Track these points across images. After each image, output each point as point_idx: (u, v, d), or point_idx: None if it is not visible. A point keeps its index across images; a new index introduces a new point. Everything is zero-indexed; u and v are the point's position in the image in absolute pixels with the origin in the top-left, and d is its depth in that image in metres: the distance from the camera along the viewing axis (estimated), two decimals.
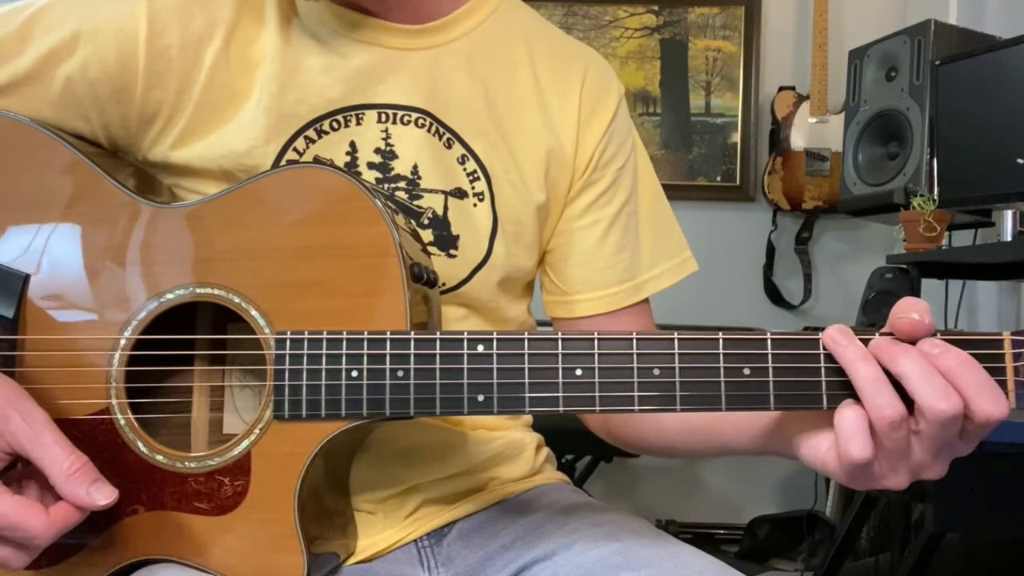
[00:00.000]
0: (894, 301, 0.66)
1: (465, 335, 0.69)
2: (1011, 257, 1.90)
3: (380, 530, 0.86)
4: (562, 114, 0.93)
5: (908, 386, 0.61)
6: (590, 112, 0.94)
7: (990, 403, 0.61)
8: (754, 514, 2.97)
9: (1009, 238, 2.10)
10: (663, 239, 0.99)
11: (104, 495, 0.68)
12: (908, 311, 0.63)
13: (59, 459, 0.67)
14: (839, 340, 0.65)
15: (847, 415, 0.63)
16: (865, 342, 0.64)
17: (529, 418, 1.01)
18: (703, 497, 3.11)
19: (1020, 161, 1.87)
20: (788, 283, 3.12)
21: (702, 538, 2.96)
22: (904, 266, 2.20)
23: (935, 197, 2.08)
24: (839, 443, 0.63)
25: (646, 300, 0.98)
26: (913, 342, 0.63)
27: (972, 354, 0.63)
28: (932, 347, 0.62)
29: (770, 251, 3.10)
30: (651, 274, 0.97)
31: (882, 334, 0.65)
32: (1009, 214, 2.09)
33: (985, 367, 0.63)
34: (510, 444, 0.95)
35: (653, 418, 0.89)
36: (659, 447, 0.92)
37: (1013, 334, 0.64)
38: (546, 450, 1.02)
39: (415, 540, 0.88)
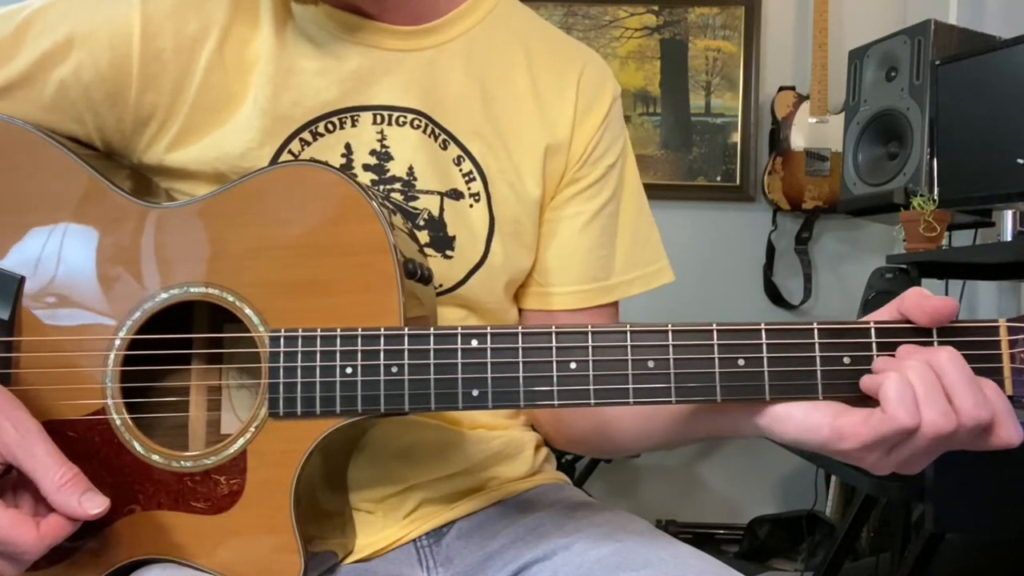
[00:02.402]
0: None
1: (459, 330, 0.69)
2: (1011, 257, 1.90)
3: (379, 529, 0.86)
4: (559, 110, 0.93)
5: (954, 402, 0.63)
6: (586, 107, 0.94)
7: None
8: (754, 514, 2.96)
9: (1009, 238, 2.10)
10: (640, 246, 0.99)
11: (96, 504, 0.68)
12: (923, 297, 0.66)
13: (51, 470, 0.68)
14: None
15: (895, 380, 0.63)
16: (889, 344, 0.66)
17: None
18: (703, 497, 3.11)
19: (1020, 161, 1.87)
20: (788, 283, 3.11)
21: (702, 538, 2.96)
22: (904, 266, 2.20)
23: (935, 197, 2.08)
24: (889, 407, 0.63)
25: (615, 304, 0.98)
26: (934, 324, 0.66)
27: (967, 341, 0.65)
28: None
29: (770, 251, 3.10)
30: (623, 278, 0.97)
31: (877, 324, 0.66)
32: (1009, 214, 2.09)
33: (981, 354, 0.65)
34: (509, 443, 0.95)
35: (614, 412, 0.89)
36: (612, 439, 0.91)
37: (1008, 321, 0.65)
38: (545, 449, 1.01)
39: (414, 539, 0.88)
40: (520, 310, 0.98)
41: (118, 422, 0.74)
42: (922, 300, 0.66)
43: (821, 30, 2.93)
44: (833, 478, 2.80)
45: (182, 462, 0.73)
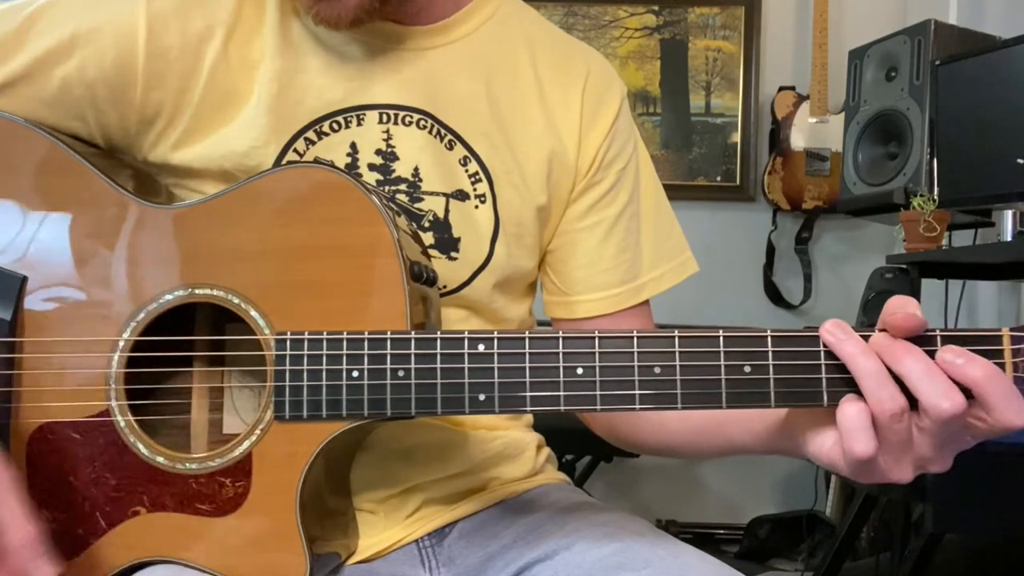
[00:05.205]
0: None
1: (466, 334, 0.69)
2: (1011, 257, 1.90)
3: (381, 530, 0.86)
4: (564, 115, 0.92)
5: (910, 385, 0.62)
6: (593, 113, 0.93)
7: (1014, 414, 0.61)
8: (754, 514, 2.96)
9: (1009, 238, 2.10)
10: (664, 240, 0.99)
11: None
12: (902, 307, 0.64)
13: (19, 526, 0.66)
14: (837, 334, 0.65)
15: (849, 411, 0.63)
16: (865, 338, 0.65)
17: (530, 418, 1.01)
18: (703, 497, 3.11)
19: (1020, 161, 1.87)
20: (788, 283, 3.12)
21: (702, 538, 2.96)
22: (904, 266, 2.20)
23: (935, 197, 2.08)
24: (843, 440, 0.64)
25: (646, 301, 0.97)
26: (909, 338, 0.64)
27: (971, 350, 0.63)
28: (956, 356, 0.62)
29: (770, 251, 3.10)
30: (652, 275, 0.96)
31: (880, 331, 0.66)
32: (1009, 214, 2.09)
33: None
34: (510, 444, 0.95)
35: (658, 417, 0.89)
36: (663, 446, 0.92)
37: (1012, 330, 0.64)
38: (547, 450, 1.02)
39: (416, 540, 0.88)
40: (552, 320, 0.98)
41: (122, 424, 0.74)
42: (890, 316, 0.64)
43: (821, 30, 2.93)
44: (833, 478, 2.80)
45: (187, 464, 0.73)
